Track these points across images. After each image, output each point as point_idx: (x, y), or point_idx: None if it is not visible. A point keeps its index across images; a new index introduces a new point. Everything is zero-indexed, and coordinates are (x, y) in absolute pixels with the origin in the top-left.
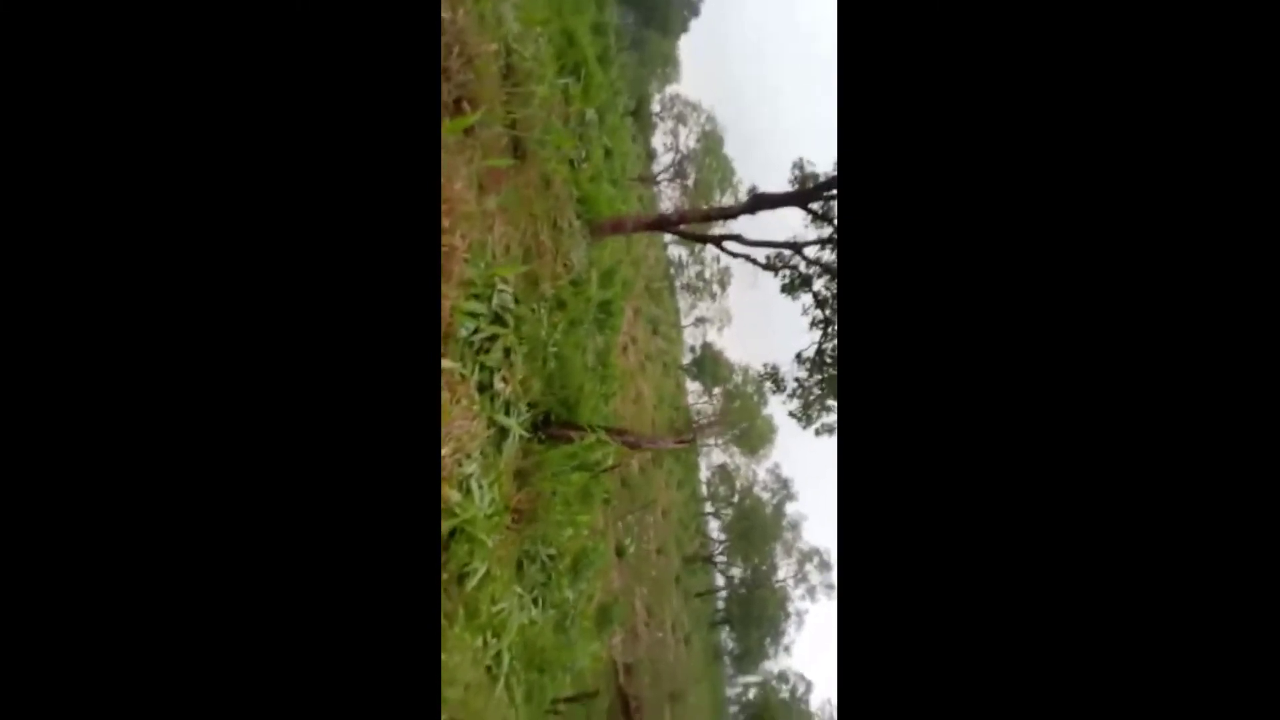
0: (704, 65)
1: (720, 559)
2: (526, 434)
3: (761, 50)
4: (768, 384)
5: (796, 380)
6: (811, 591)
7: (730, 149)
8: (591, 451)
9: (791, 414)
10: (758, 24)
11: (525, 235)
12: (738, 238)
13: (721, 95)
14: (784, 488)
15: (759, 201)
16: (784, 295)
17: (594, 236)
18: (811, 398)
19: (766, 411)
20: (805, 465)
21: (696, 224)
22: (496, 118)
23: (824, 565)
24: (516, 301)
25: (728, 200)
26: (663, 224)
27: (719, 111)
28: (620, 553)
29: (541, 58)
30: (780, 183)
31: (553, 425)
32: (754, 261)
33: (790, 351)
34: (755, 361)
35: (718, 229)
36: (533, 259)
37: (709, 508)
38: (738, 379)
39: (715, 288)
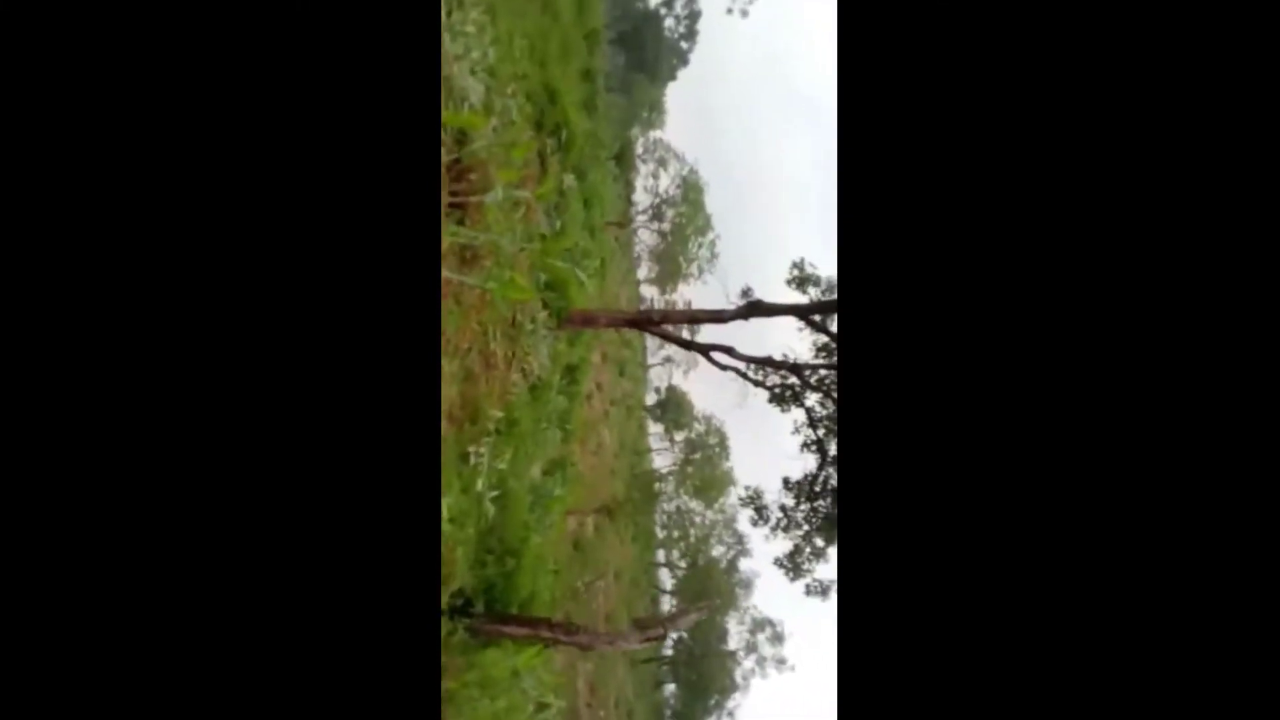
0: (689, 115)
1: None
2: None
3: (748, 108)
4: (750, 513)
5: (783, 510)
6: (762, 664)
7: (711, 202)
8: (530, 659)
9: (777, 561)
10: (745, 81)
11: (467, 354)
12: (729, 350)
13: (705, 149)
14: (739, 542)
15: (754, 309)
16: (773, 406)
17: (562, 328)
18: (800, 535)
19: (727, 465)
20: (742, 451)
21: (678, 323)
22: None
23: (776, 638)
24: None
25: (704, 252)
26: (642, 322)
27: (702, 165)
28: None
29: (513, 122)
30: (763, 254)
31: (479, 617)
32: (744, 376)
33: (777, 477)
34: (717, 412)
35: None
36: (476, 381)
37: (661, 558)
38: (700, 428)
39: (684, 332)
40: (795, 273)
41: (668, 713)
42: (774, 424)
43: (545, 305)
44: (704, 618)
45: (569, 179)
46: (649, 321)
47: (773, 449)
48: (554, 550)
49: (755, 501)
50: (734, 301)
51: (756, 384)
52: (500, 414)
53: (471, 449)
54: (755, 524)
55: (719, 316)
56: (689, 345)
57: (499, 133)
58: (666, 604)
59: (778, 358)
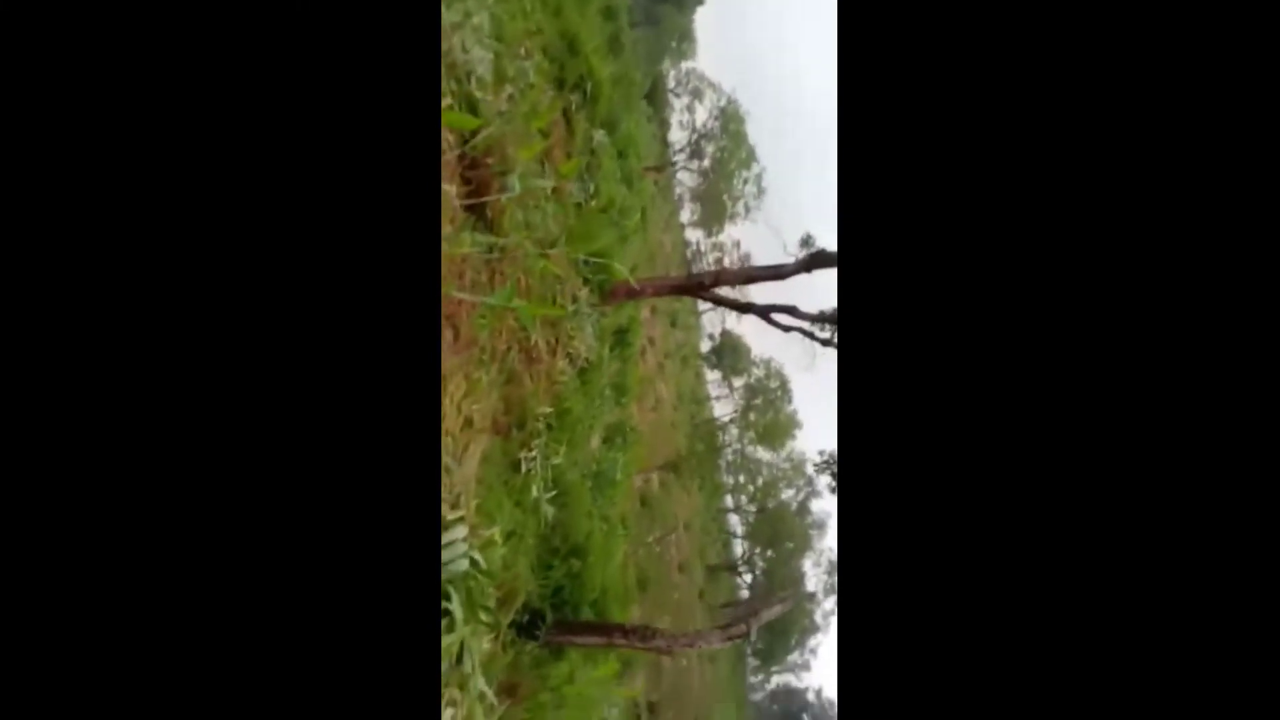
0: (722, 42)
1: (744, 569)
2: (512, 641)
3: (781, 28)
4: (827, 475)
5: None
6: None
7: (752, 133)
8: (604, 675)
9: None
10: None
11: (506, 355)
12: (791, 309)
13: (741, 76)
14: (809, 484)
15: (816, 260)
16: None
17: (605, 302)
18: None
19: (790, 408)
20: (815, 412)
21: (735, 284)
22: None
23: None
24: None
25: (750, 189)
26: (692, 288)
27: (739, 94)
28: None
29: (531, 85)
30: (815, 188)
31: (548, 629)
32: (812, 337)
33: None
34: (776, 353)
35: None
36: (519, 381)
37: (730, 504)
38: (759, 372)
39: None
40: None
41: (749, 652)
42: None
43: (586, 281)
44: (788, 609)
45: (599, 134)
46: (700, 287)
47: None
48: (622, 514)
49: (831, 467)
50: (792, 253)
51: (825, 343)
52: (549, 408)
53: (522, 455)
54: (833, 490)
55: (778, 272)
56: (746, 308)
57: (515, 100)
58: (739, 548)
59: None
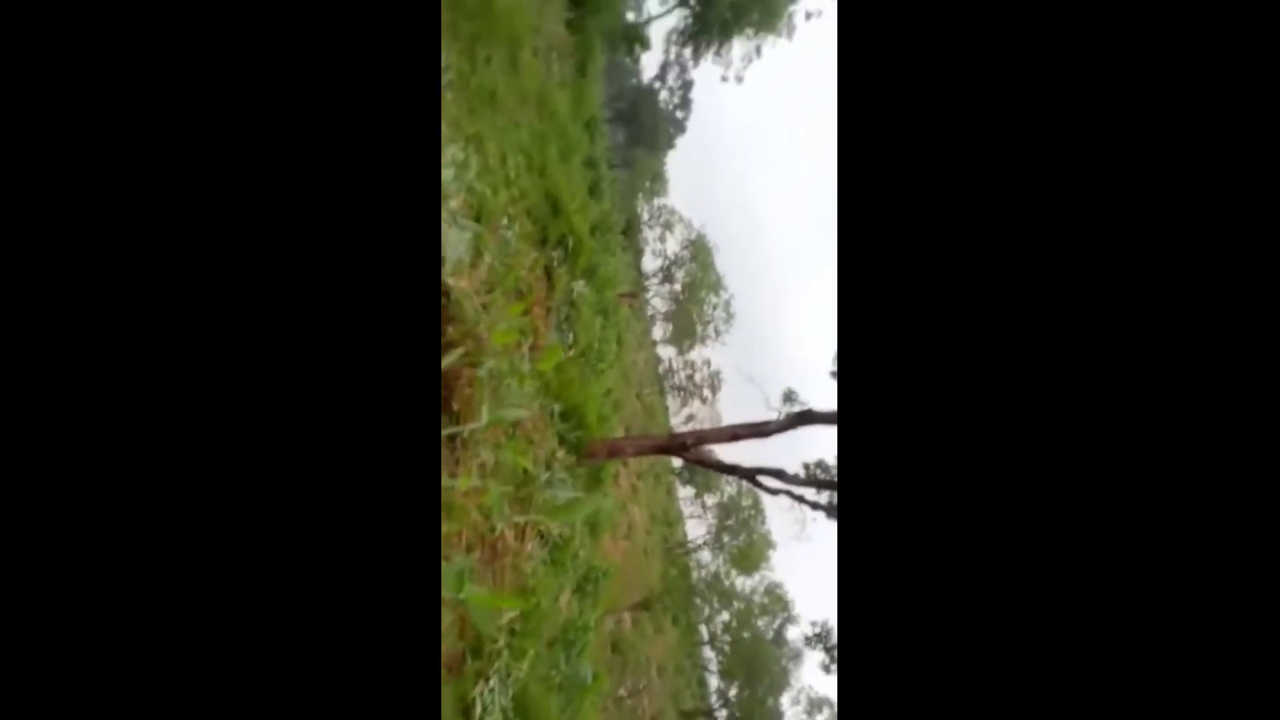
0: (690, 181)
1: (719, 708)
2: None
3: (745, 169)
4: (818, 648)
5: None
6: None
7: (720, 264)
8: None
9: None
10: (742, 144)
11: (467, 557)
12: (779, 473)
13: (709, 212)
14: (785, 609)
15: (803, 419)
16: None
17: (582, 462)
18: None
19: (764, 528)
20: (806, 585)
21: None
22: None
23: (828, 659)
24: None
25: (719, 314)
26: (674, 448)
27: (708, 230)
28: None
29: (514, 253)
30: (776, 317)
31: None
32: (801, 500)
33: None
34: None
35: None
36: (479, 583)
37: (705, 635)
38: (730, 489)
39: (706, 392)
40: (836, 369)
41: None
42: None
43: (562, 440)
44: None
45: (579, 285)
46: (682, 447)
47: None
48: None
49: (825, 641)
50: (774, 408)
51: (815, 506)
52: (513, 612)
53: (476, 693)
54: (828, 670)
55: (761, 430)
56: (731, 470)
57: (494, 270)
58: (714, 685)
59: (832, 464)
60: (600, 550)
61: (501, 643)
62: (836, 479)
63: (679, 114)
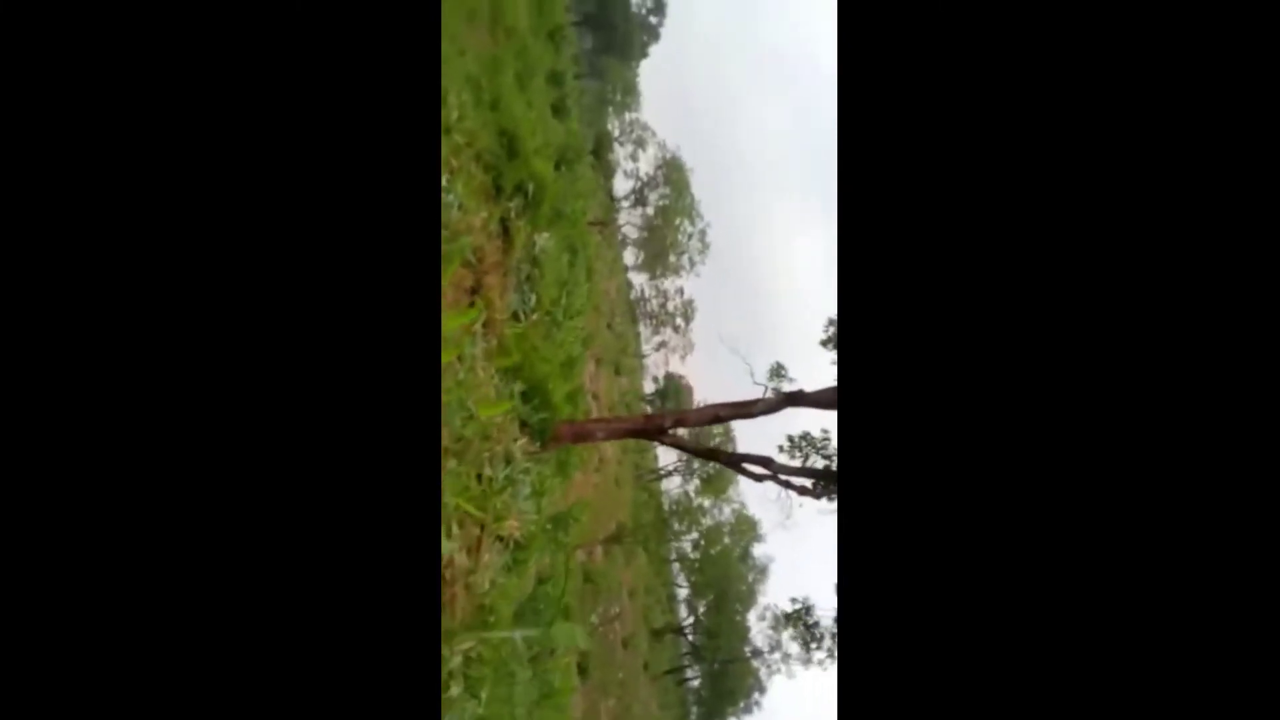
0: (665, 95)
1: (689, 629)
2: None
3: (725, 81)
4: (799, 627)
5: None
6: (786, 661)
7: (696, 189)
8: None
9: None
10: (722, 52)
11: None
12: (766, 460)
13: (685, 130)
14: (752, 530)
15: (791, 400)
16: (825, 509)
17: (547, 447)
18: None
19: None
20: (772, 509)
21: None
22: None
23: (806, 635)
24: None
25: (694, 244)
26: (651, 431)
27: (683, 150)
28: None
29: (459, 210)
30: (756, 243)
31: None
32: (788, 486)
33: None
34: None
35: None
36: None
37: (673, 558)
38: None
39: (679, 320)
40: (833, 330)
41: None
42: (827, 530)
43: (524, 425)
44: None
45: (541, 238)
46: (659, 431)
47: (826, 558)
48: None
49: (804, 618)
50: (760, 383)
51: (803, 492)
52: (468, 644)
53: None
54: (808, 646)
55: (746, 411)
56: (712, 455)
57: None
58: (684, 609)
59: (818, 436)
60: (570, 490)
61: (458, 664)
62: (828, 464)
63: (652, 19)
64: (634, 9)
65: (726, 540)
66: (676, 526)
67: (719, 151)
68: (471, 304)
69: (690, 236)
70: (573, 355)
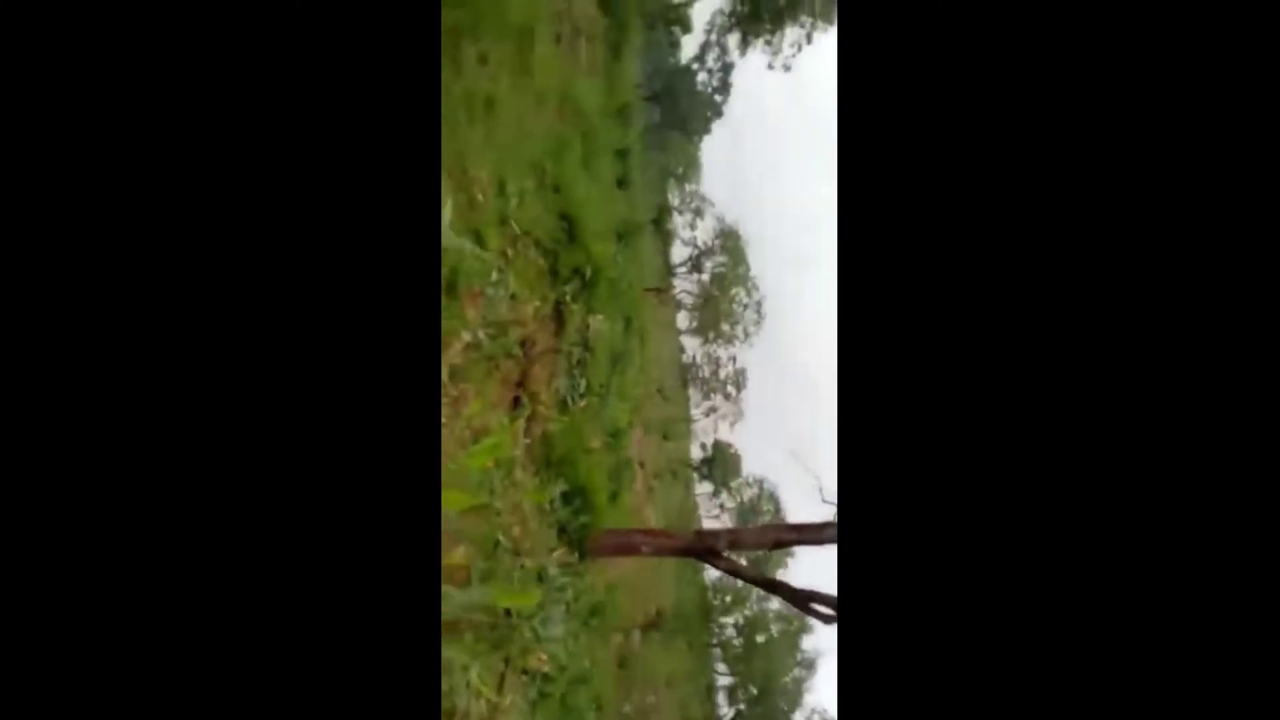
0: (727, 169)
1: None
2: None
3: (785, 162)
4: None
5: None
6: None
7: (754, 264)
8: None
9: None
10: (784, 134)
11: None
12: (835, 600)
13: (744, 204)
14: (800, 619)
15: None
16: None
17: (586, 558)
18: None
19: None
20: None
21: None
22: None
23: None
24: None
25: (750, 315)
26: (702, 551)
27: (743, 224)
28: None
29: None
30: (815, 322)
31: None
32: None
33: None
34: (769, 471)
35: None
36: None
37: (716, 644)
38: (751, 491)
39: (730, 389)
40: None
41: None
42: None
43: (562, 530)
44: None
45: (596, 321)
46: (711, 552)
47: None
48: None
49: None
50: (830, 500)
51: None
52: None
53: None
54: None
55: (814, 536)
56: (775, 589)
57: (478, 350)
58: (724, 701)
59: None
60: (604, 577)
61: None
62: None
63: (717, 98)
64: (700, 88)
65: (773, 630)
66: (719, 608)
67: (776, 226)
68: (516, 399)
69: (745, 307)
70: (620, 426)
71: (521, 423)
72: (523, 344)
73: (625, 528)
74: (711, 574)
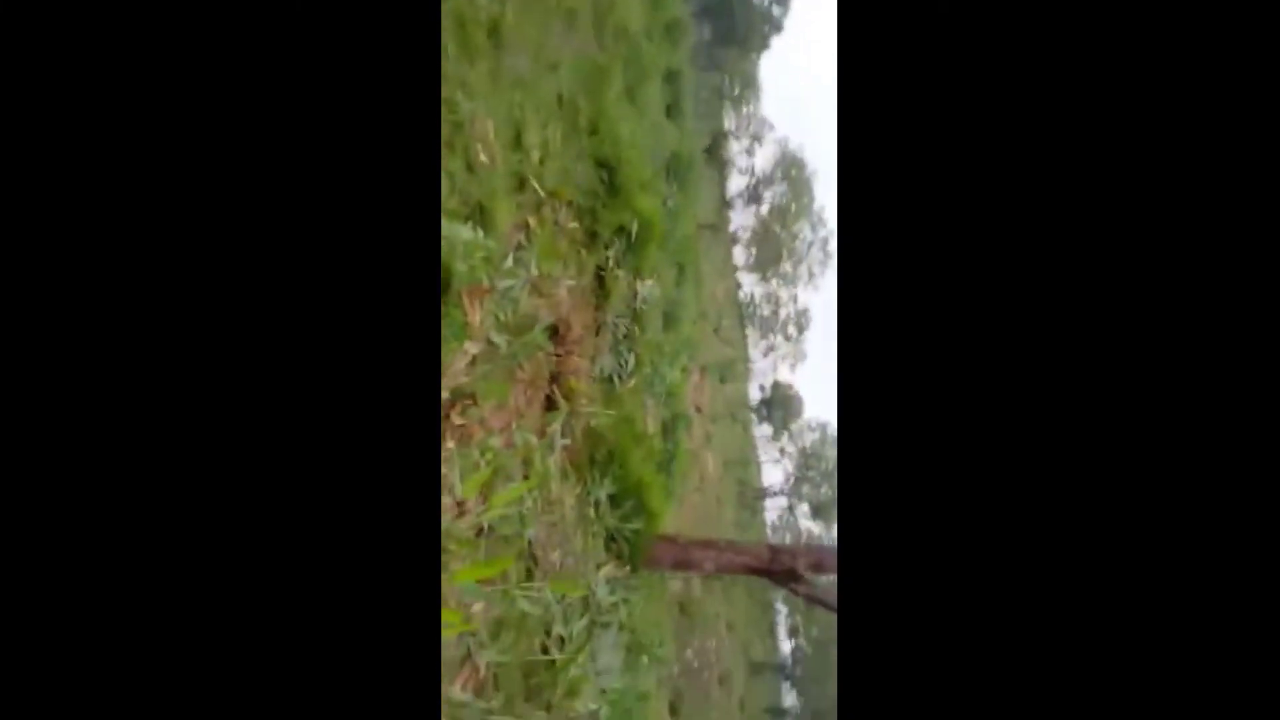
0: (786, 90)
1: (793, 668)
2: None
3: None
4: None
5: None
6: None
7: (819, 194)
8: None
9: None
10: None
11: None
12: None
13: (807, 129)
14: None
15: None
16: None
17: (646, 568)
18: None
19: None
20: None
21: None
22: None
23: None
24: None
25: (815, 252)
26: (776, 573)
27: (806, 152)
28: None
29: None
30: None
31: None
32: None
33: None
34: (833, 416)
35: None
36: None
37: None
38: (814, 436)
39: (791, 329)
40: None
41: None
42: None
43: (611, 539)
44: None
45: (645, 287)
46: (789, 575)
47: None
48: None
49: None
50: None
51: None
52: None
53: None
54: None
55: None
56: None
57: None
58: (787, 642)
59: None
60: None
61: None
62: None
63: (775, 9)
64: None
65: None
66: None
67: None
68: (550, 397)
69: (810, 244)
70: (675, 383)
71: (557, 427)
72: (554, 331)
73: (685, 538)
74: (772, 515)
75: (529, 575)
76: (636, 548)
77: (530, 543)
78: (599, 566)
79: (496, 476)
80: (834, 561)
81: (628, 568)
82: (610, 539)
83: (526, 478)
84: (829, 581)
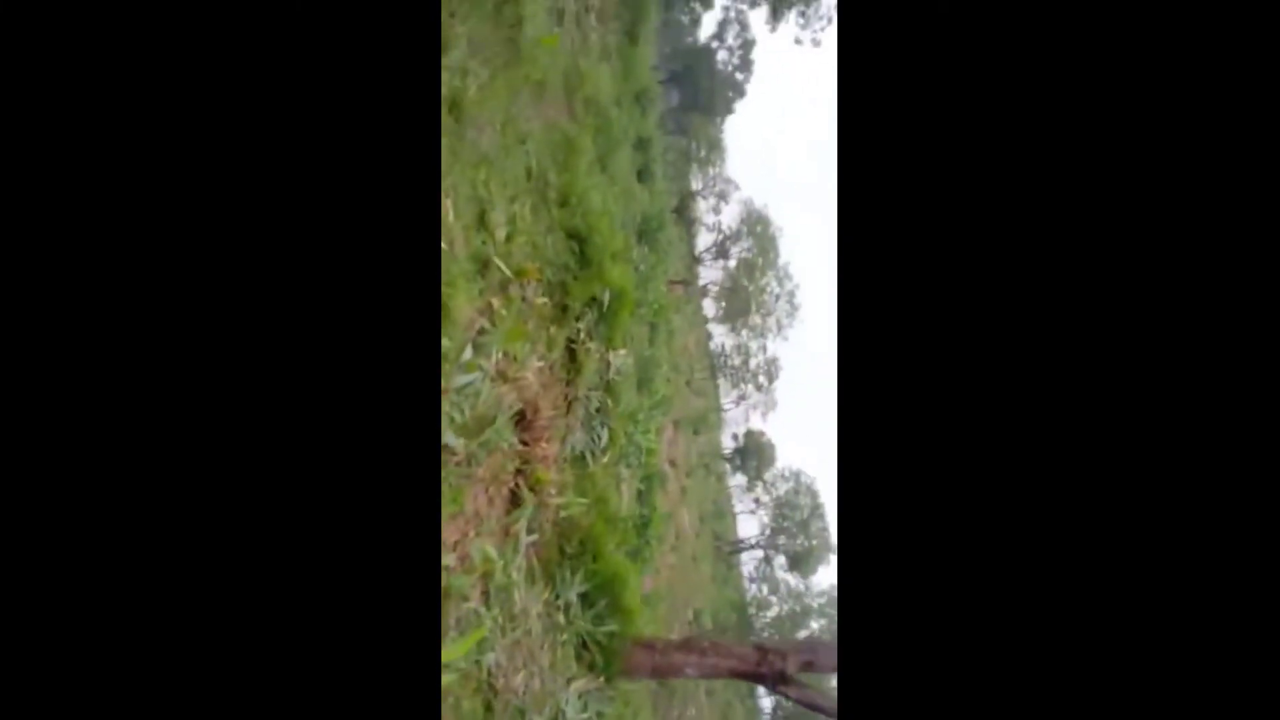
0: (751, 152)
1: None
2: None
3: (816, 144)
4: None
5: None
6: None
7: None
8: None
9: None
10: (802, 105)
11: None
12: None
13: (771, 188)
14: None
15: None
16: None
17: (622, 678)
18: None
19: (822, 525)
20: None
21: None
22: None
23: None
24: None
25: (782, 305)
26: (765, 676)
27: (771, 210)
28: None
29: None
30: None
31: None
32: None
33: None
34: (805, 465)
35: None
36: None
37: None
38: (788, 485)
39: (761, 379)
40: None
41: None
42: None
43: (584, 646)
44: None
45: (617, 358)
46: (779, 678)
47: None
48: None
49: None
50: None
51: None
52: None
53: None
54: None
55: None
56: None
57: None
58: (767, 704)
59: None
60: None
61: None
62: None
63: (739, 76)
64: (720, 66)
65: (815, 626)
66: (758, 600)
67: (811, 214)
68: (514, 491)
69: (778, 297)
70: (650, 446)
71: (523, 524)
72: (521, 416)
73: (663, 641)
74: (748, 568)
75: (488, 709)
76: (611, 655)
77: (489, 671)
78: (570, 681)
79: (450, 601)
80: (828, 658)
81: (601, 679)
82: (583, 645)
83: (486, 599)
84: (823, 682)
